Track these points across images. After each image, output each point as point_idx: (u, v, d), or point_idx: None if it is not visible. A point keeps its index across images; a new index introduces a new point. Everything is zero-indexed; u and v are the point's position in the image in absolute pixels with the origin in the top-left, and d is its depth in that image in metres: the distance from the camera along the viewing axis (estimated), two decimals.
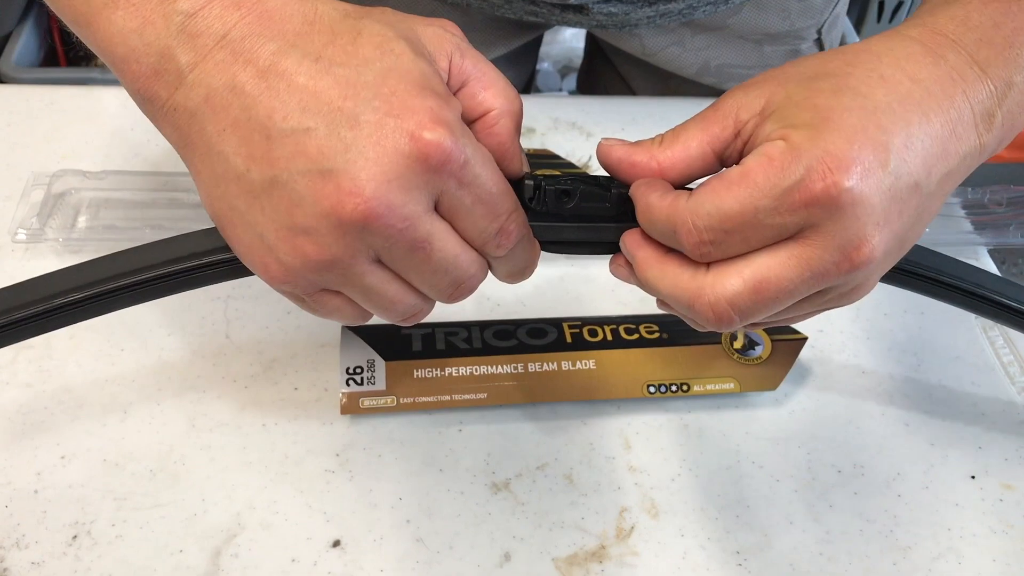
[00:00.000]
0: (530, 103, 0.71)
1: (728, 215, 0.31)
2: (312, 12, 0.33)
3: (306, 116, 0.31)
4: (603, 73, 0.81)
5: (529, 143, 0.67)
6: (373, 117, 0.31)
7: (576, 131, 0.68)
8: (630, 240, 0.36)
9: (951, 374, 0.55)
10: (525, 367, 0.50)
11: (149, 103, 0.33)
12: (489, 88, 0.35)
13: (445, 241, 0.33)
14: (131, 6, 0.32)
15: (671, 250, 0.35)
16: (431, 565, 0.44)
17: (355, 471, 0.47)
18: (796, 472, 0.49)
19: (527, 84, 0.84)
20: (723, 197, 0.31)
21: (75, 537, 0.44)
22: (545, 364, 0.50)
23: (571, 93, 1.36)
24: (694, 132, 0.35)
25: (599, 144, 0.37)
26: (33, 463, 0.46)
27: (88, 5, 0.32)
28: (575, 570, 0.44)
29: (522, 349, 0.51)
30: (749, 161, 0.31)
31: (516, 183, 0.36)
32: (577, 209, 0.36)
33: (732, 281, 0.32)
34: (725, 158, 0.35)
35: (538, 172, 0.38)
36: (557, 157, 0.65)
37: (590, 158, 0.66)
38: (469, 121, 0.35)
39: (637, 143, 0.36)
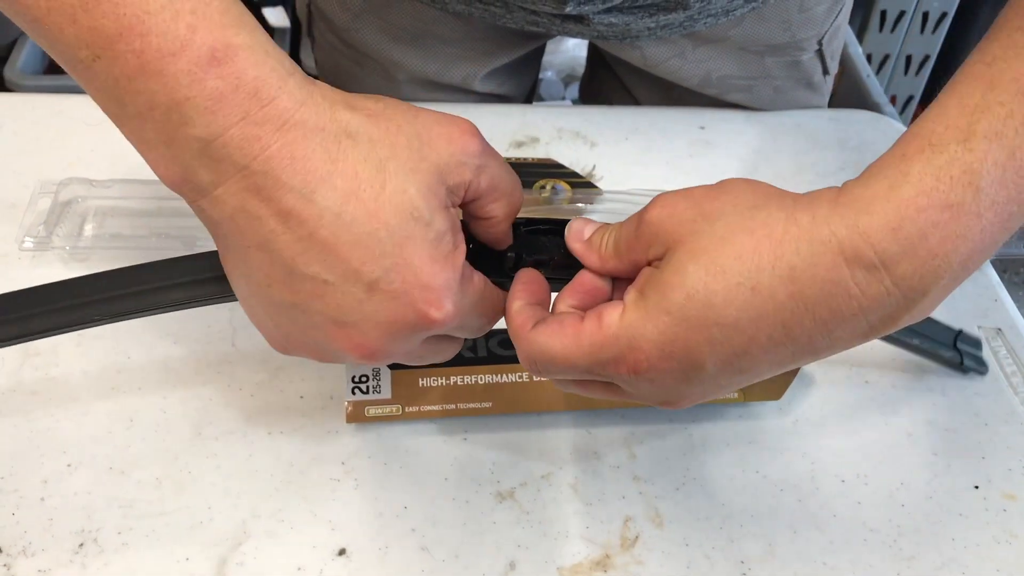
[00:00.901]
0: (534, 112, 0.71)
1: (553, 359, 0.36)
2: (336, 148, 0.32)
3: (326, 269, 0.33)
4: (606, 82, 0.81)
5: (533, 152, 0.67)
6: (388, 288, 0.33)
7: (580, 140, 0.69)
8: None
9: (954, 384, 0.55)
10: (530, 376, 0.50)
11: (180, 195, 0.34)
12: (497, 201, 0.38)
13: (436, 348, 0.39)
14: (155, 122, 0.31)
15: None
16: (436, 574, 0.44)
17: (361, 479, 0.47)
18: (800, 481, 0.49)
19: (530, 93, 0.84)
20: (554, 342, 0.35)
21: (81, 545, 0.44)
22: None
23: (574, 102, 1.36)
24: (624, 252, 0.37)
25: (569, 227, 0.40)
26: (39, 471, 0.46)
27: (121, 109, 0.32)
28: None
29: None
30: (590, 320, 0.35)
31: (499, 254, 0.41)
32: (552, 274, 0.40)
33: (538, 346, 0.37)
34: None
35: (524, 216, 0.41)
36: (561, 166, 0.65)
37: (594, 167, 0.66)
38: (474, 218, 0.39)
39: (592, 241, 0.38)
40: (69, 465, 0.47)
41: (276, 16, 1.35)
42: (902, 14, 1.44)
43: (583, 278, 0.39)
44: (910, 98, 1.55)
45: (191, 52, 0.30)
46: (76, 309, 0.41)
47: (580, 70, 1.41)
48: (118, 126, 0.33)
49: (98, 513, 0.45)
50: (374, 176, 0.33)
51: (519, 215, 0.41)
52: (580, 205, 0.62)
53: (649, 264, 0.36)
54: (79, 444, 0.48)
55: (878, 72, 1.49)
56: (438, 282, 0.34)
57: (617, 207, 0.62)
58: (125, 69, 0.30)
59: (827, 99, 0.78)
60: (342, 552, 0.45)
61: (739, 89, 0.71)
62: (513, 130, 0.69)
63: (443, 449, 0.49)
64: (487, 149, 0.37)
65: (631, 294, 0.35)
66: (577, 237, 0.39)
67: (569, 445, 0.50)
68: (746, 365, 0.34)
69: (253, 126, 0.31)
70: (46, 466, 0.47)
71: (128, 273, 0.41)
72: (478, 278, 0.38)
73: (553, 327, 0.36)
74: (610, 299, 0.39)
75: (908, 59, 1.50)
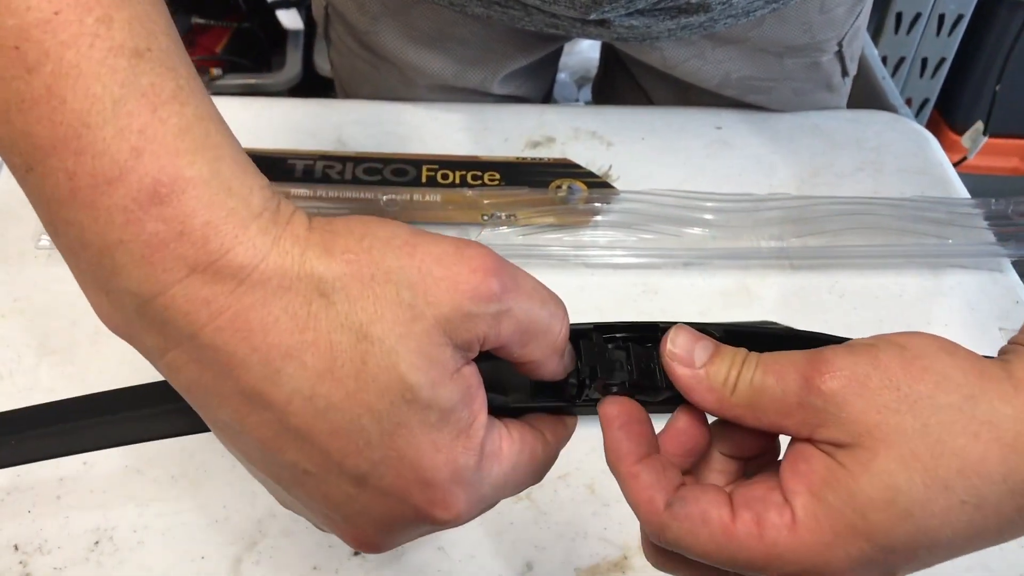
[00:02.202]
0: (550, 113, 0.71)
1: (691, 552, 0.28)
2: (305, 313, 0.25)
3: (304, 459, 0.26)
4: (620, 83, 0.81)
5: (549, 152, 0.67)
6: (380, 483, 0.27)
7: (596, 140, 0.68)
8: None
9: None
10: None
11: None
12: (528, 345, 0.29)
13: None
14: (88, 263, 0.25)
15: (645, 456, 0.31)
16: (453, 574, 0.44)
17: None
18: None
19: (547, 95, 0.84)
20: (697, 541, 0.28)
21: (97, 543, 0.44)
22: None
23: (586, 103, 1.36)
24: (770, 414, 0.29)
25: (672, 340, 0.31)
26: (56, 469, 0.46)
27: (55, 237, 0.26)
28: None
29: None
30: (743, 522, 0.28)
31: (561, 382, 0.32)
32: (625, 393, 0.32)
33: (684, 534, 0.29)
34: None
35: (586, 326, 0.33)
36: (577, 166, 0.65)
37: (610, 167, 0.66)
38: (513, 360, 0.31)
39: (710, 375, 0.30)
40: (85, 463, 0.47)
41: (290, 18, 1.36)
42: (918, 16, 1.43)
43: (681, 423, 0.31)
44: (925, 101, 1.54)
45: (130, 183, 0.24)
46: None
47: (593, 71, 1.40)
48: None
49: (114, 511, 0.45)
50: (353, 347, 0.25)
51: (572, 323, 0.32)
52: (597, 205, 0.61)
53: (810, 442, 0.28)
54: None
55: (893, 74, 1.48)
56: (442, 477, 0.27)
57: (635, 207, 0.61)
58: (56, 192, 0.24)
59: (845, 101, 0.77)
60: (358, 552, 0.44)
61: (758, 90, 0.71)
62: (529, 130, 0.69)
63: None
64: (508, 287, 0.28)
65: (801, 497, 0.27)
66: (685, 361, 0.30)
67: (586, 445, 0.49)
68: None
69: (201, 286, 0.24)
70: (62, 464, 0.46)
71: (91, 401, 0.36)
72: (511, 441, 0.30)
73: (695, 521, 0.28)
74: (708, 449, 0.31)
75: (924, 61, 1.49)
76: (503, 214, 0.60)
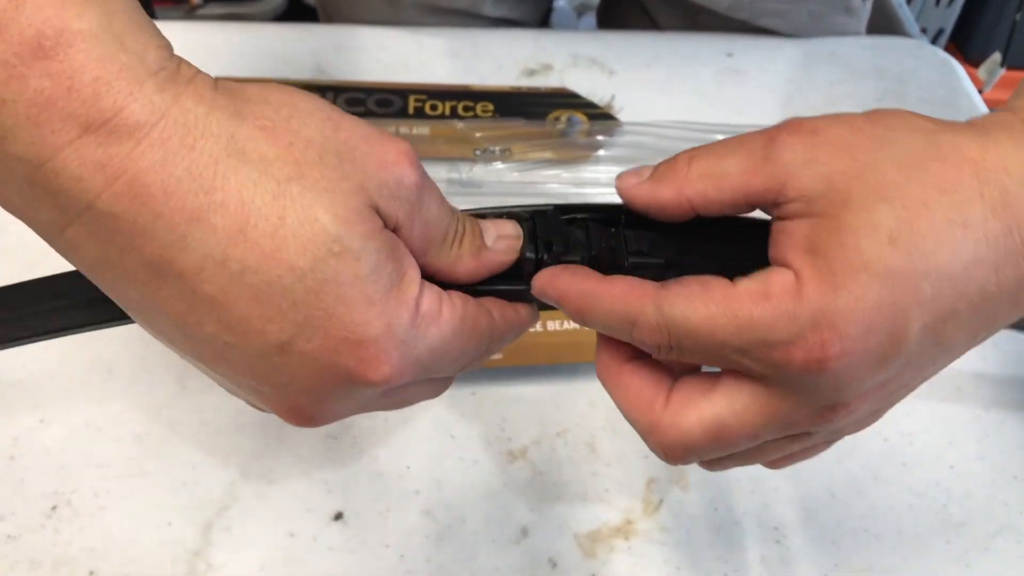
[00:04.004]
0: (547, 38, 0.65)
1: (694, 331, 0.26)
2: (212, 173, 0.23)
3: (223, 330, 0.25)
4: (624, 7, 0.75)
5: (546, 81, 0.62)
6: (306, 347, 0.25)
7: (597, 68, 0.63)
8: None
9: (1006, 335, 0.50)
10: (544, 326, 0.46)
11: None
12: (429, 251, 0.29)
13: (406, 396, 0.30)
14: None
15: (634, 356, 0.30)
16: (441, 540, 0.40)
17: (359, 437, 0.43)
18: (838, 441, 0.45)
19: (542, 20, 0.78)
20: (697, 310, 0.26)
21: (54, 508, 0.40)
22: (567, 323, 0.46)
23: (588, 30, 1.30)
24: (733, 173, 0.28)
25: (618, 184, 0.30)
26: (9, 427, 0.43)
27: None
28: (598, 547, 0.41)
29: (544, 306, 0.46)
30: (745, 284, 0.26)
31: (516, 262, 0.31)
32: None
33: (689, 425, 0.28)
34: (759, 208, 0.29)
35: (546, 206, 0.32)
36: (577, 97, 0.60)
37: (612, 97, 0.61)
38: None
39: (663, 172, 0.29)
40: (42, 421, 0.43)
41: None
42: None
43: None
44: (940, 31, 1.48)
45: (11, 35, 0.22)
46: None
47: None
48: None
49: (73, 473, 0.41)
50: (268, 205, 0.24)
51: (531, 204, 0.32)
52: (599, 138, 0.57)
53: (784, 219, 0.27)
54: (52, 398, 0.44)
55: (908, 2, 1.42)
56: (372, 332, 0.25)
57: (639, 140, 0.57)
58: None
59: (864, 26, 0.72)
60: (338, 516, 0.41)
61: (772, 13, 0.66)
62: (524, 57, 0.63)
63: (449, 405, 0.45)
64: (426, 184, 0.27)
65: (795, 259, 0.26)
66: (632, 177, 0.30)
67: (585, 400, 0.46)
68: (949, 334, 0.26)
69: (94, 147, 0.22)
70: (16, 422, 0.43)
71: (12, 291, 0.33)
72: (451, 307, 0.28)
73: (693, 288, 0.27)
74: None
75: None
76: (497, 148, 0.56)
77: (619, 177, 0.30)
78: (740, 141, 0.28)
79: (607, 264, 0.30)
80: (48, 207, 0.23)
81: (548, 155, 0.56)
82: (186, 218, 0.23)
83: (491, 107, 0.58)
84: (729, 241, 0.31)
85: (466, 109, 0.58)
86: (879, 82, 0.66)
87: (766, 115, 0.61)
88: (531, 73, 0.63)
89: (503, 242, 0.30)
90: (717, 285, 0.26)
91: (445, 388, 0.32)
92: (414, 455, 0.43)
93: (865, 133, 0.27)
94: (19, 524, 0.40)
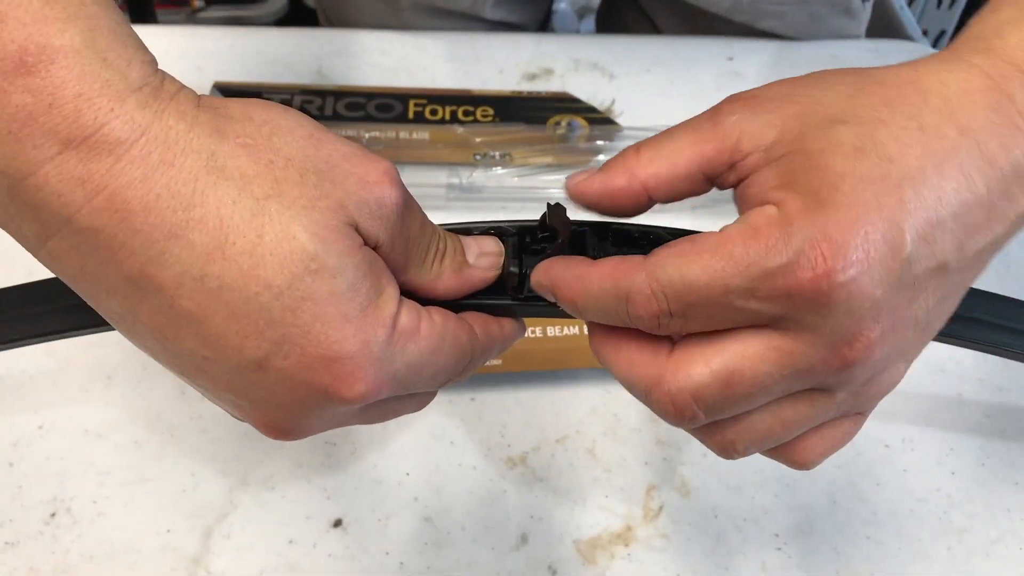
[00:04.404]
0: (548, 42, 0.65)
1: (693, 286, 0.26)
2: (191, 189, 0.24)
3: (201, 345, 0.25)
4: (625, 11, 0.75)
5: (547, 85, 0.62)
6: (283, 364, 0.25)
7: (597, 72, 0.63)
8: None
9: None
10: (544, 331, 0.46)
11: None
12: (410, 270, 0.29)
13: (384, 412, 0.30)
14: None
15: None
16: (441, 547, 0.40)
17: (358, 444, 0.43)
18: None
19: (542, 23, 0.78)
20: (690, 264, 0.26)
21: (53, 515, 0.40)
22: (566, 328, 0.46)
23: (588, 34, 1.30)
24: (684, 147, 0.28)
25: (567, 184, 0.30)
26: (8, 433, 0.42)
27: None
28: (599, 554, 0.41)
29: (536, 311, 0.46)
30: (730, 228, 0.26)
31: (500, 277, 0.31)
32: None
33: (698, 370, 0.27)
34: (716, 183, 0.29)
35: (531, 222, 0.32)
36: (577, 101, 0.60)
37: (613, 101, 0.61)
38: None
39: (612, 164, 0.30)
40: (41, 427, 0.43)
41: None
42: None
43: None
44: (942, 32, 1.47)
45: None
46: None
47: (595, 1, 1.34)
48: None
49: (72, 480, 0.41)
50: (247, 223, 0.24)
51: (518, 220, 0.32)
52: (600, 143, 0.57)
53: (743, 182, 0.28)
54: (52, 404, 0.44)
55: (909, 4, 1.41)
56: (348, 349, 0.25)
57: None
58: None
59: (864, 28, 0.72)
60: (338, 523, 0.41)
61: (772, 15, 0.66)
62: (525, 61, 0.63)
63: (448, 411, 0.45)
64: (409, 203, 0.28)
65: (775, 193, 0.26)
66: (581, 175, 0.30)
67: (586, 406, 0.46)
68: (942, 246, 0.26)
69: (75, 163, 0.23)
70: (16, 428, 0.43)
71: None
72: (431, 325, 0.28)
73: (682, 245, 0.26)
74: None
75: None
76: (497, 153, 0.56)
77: (568, 178, 0.30)
78: (685, 122, 0.29)
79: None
80: (30, 220, 0.24)
81: (548, 160, 0.56)
82: (165, 234, 0.23)
83: (491, 112, 0.58)
84: None
85: (466, 114, 0.58)
86: None
87: None
88: (532, 77, 0.63)
89: (485, 259, 0.31)
90: (704, 238, 0.26)
91: (428, 402, 0.32)
92: (413, 462, 0.43)
93: (801, 83, 0.28)
94: (18, 531, 0.40)
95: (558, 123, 0.58)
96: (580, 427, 0.45)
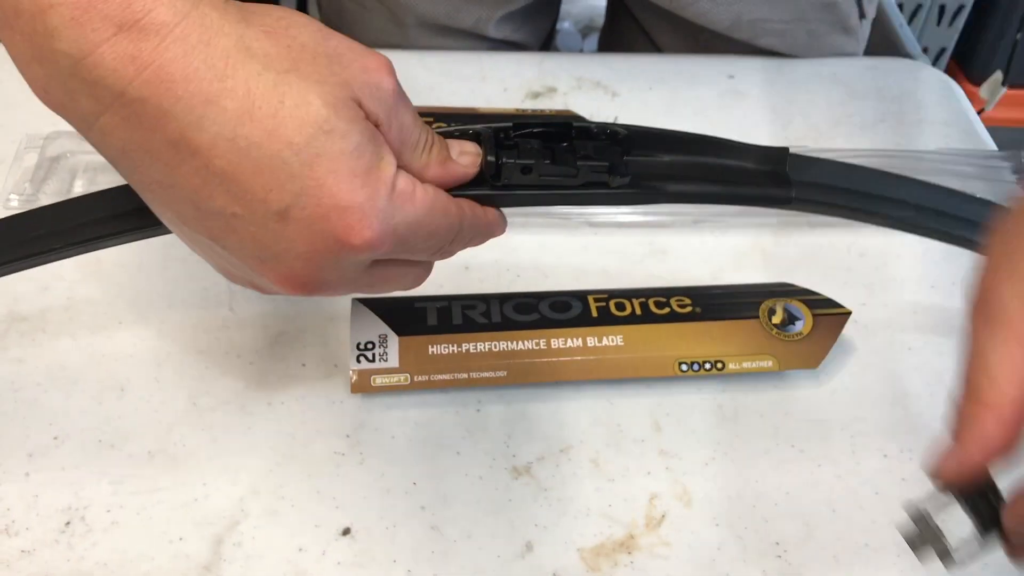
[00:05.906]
0: (552, 61, 0.67)
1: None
2: (224, 65, 0.28)
3: (231, 202, 0.29)
4: (627, 31, 0.76)
5: (551, 104, 0.63)
6: (301, 214, 0.30)
7: (601, 90, 0.64)
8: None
9: None
10: (548, 343, 0.47)
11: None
12: (403, 154, 0.33)
13: (388, 275, 0.35)
14: (22, 33, 0.27)
15: None
16: (447, 555, 0.41)
17: (367, 454, 0.44)
18: (839, 456, 0.46)
19: (545, 42, 0.80)
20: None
21: (68, 523, 0.41)
22: (569, 340, 0.47)
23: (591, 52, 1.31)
24: (1008, 360, 0.29)
25: (935, 470, 0.31)
26: (24, 444, 0.43)
27: None
28: (602, 561, 0.41)
29: (544, 324, 0.47)
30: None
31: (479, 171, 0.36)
32: (540, 180, 0.36)
33: None
34: None
35: (505, 124, 0.36)
36: (580, 119, 0.61)
37: (616, 119, 0.62)
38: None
39: (964, 435, 0.30)
40: (56, 438, 0.44)
41: None
42: None
43: None
44: (943, 50, 1.49)
45: None
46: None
47: (599, 20, 1.35)
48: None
49: (86, 489, 0.42)
50: (270, 91, 0.28)
51: (495, 122, 0.36)
52: None
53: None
54: (67, 415, 0.45)
55: (910, 22, 1.43)
56: (357, 200, 0.30)
57: None
58: None
59: (863, 46, 0.73)
60: (346, 532, 0.42)
61: (771, 33, 0.67)
62: (529, 80, 0.65)
63: (455, 421, 0.46)
64: (402, 94, 0.32)
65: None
66: (940, 457, 0.30)
67: (589, 416, 0.47)
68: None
69: (127, 43, 0.27)
70: (31, 439, 0.44)
71: (37, 214, 0.38)
72: (424, 191, 0.32)
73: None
74: None
75: (941, 9, 1.43)
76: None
77: (930, 466, 0.31)
78: (982, 340, 0.29)
79: (559, 173, 0.35)
80: (86, 97, 0.27)
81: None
82: (202, 100, 0.27)
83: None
84: (666, 149, 0.38)
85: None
86: (880, 103, 0.66)
87: (769, 137, 0.62)
88: (536, 95, 0.64)
89: (466, 157, 0.35)
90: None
91: (424, 277, 0.37)
92: (420, 472, 0.44)
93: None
94: (34, 539, 0.40)
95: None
96: (584, 438, 0.46)
